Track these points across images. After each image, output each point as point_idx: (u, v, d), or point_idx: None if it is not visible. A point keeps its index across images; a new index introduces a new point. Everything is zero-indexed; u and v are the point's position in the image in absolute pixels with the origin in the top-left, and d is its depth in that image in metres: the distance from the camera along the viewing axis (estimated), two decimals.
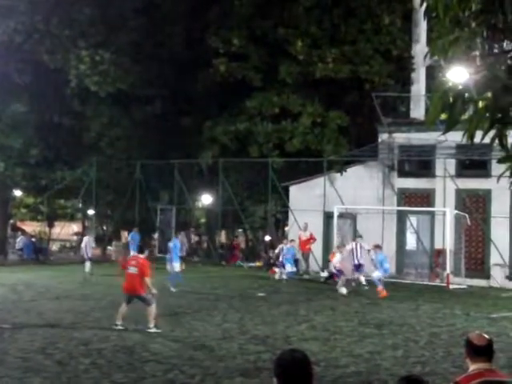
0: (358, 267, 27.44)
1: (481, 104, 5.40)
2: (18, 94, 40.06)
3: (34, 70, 39.29)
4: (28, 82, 39.73)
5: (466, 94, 5.29)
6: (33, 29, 37.96)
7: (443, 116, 5.51)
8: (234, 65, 38.28)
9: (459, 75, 5.47)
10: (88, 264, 30.31)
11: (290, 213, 36.76)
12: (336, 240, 31.95)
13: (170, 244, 28.11)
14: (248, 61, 38.42)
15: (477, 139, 5.40)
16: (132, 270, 17.16)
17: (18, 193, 52.34)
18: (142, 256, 17.67)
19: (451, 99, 5.30)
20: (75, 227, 69.26)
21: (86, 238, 32.11)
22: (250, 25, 38.55)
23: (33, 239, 43.81)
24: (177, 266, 26.82)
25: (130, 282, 17.17)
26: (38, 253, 40.95)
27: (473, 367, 6.02)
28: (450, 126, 5.36)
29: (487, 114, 5.34)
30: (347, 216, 34.26)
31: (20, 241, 39.67)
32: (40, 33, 38.13)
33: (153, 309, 17.06)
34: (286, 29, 37.45)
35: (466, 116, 5.44)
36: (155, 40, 39.22)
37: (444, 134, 5.97)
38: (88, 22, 38.51)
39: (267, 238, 42.57)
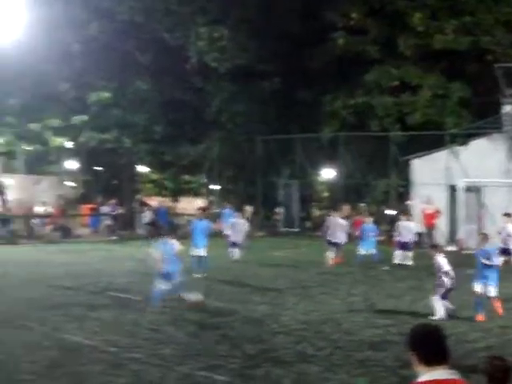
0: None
1: None
2: (140, 72, 40.99)
3: (155, 48, 40.11)
4: (149, 60, 40.58)
5: None
6: (152, 8, 38.74)
7: None
8: (352, 39, 38.09)
9: None
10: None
11: (412, 187, 36.40)
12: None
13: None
14: (366, 34, 38.15)
15: None
16: None
17: (143, 169, 53.66)
18: None
19: None
20: (200, 202, 70.42)
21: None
22: None
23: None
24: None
25: None
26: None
27: None
28: None
29: None
30: (472, 189, 33.61)
31: (146, 215, 40.46)
32: (159, 11, 38.88)
33: None
34: (404, 1, 36.95)
35: None
36: (271, 16, 39.34)
37: None
38: None
39: (389, 212, 42.19)
